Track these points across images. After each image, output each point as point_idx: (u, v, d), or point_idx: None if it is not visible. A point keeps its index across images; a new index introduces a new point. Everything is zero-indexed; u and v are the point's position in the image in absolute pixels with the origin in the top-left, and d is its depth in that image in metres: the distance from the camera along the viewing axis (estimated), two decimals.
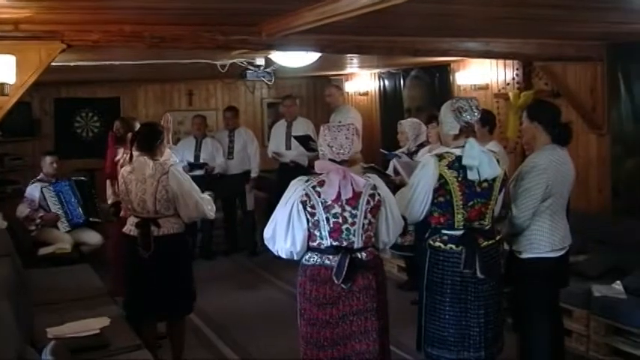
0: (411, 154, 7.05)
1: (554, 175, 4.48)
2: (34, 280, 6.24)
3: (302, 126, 9.51)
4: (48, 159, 8.29)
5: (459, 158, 4.15)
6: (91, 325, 4.86)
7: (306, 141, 8.95)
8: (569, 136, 4.69)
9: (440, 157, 4.22)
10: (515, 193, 4.55)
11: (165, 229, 5.18)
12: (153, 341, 5.37)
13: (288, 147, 9.45)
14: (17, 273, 5.60)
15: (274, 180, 9.64)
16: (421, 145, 7.18)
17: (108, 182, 6.92)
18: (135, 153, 5.29)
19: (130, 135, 6.02)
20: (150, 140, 5.28)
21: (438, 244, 4.25)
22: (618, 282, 5.58)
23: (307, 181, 3.98)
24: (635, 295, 5.41)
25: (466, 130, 4.25)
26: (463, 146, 4.17)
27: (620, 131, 6.62)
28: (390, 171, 7.14)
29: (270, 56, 6.65)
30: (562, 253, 4.62)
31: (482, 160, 4.12)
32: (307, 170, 9.21)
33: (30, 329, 4.86)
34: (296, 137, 9.09)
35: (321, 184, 3.93)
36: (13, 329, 4.06)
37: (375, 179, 4.08)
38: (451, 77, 9.11)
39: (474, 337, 4.24)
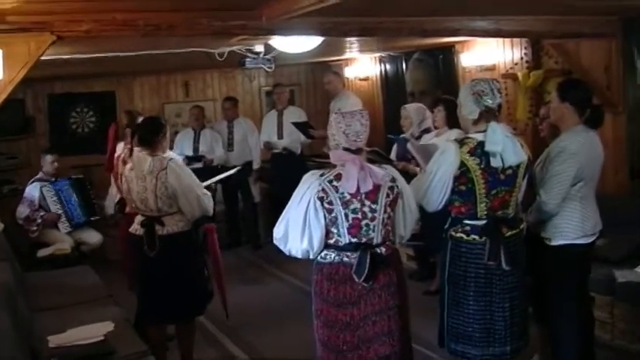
0: (415, 140, 6.83)
1: (584, 159, 4.29)
2: (33, 284, 6.09)
3: (294, 114, 9.44)
4: (49, 158, 8.14)
5: (481, 144, 3.92)
6: (95, 331, 4.69)
7: (305, 127, 8.86)
8: (600, 118, 4.49)
9: (461, 142, 3.99)
10: (544, 177, 4.34)
11: (169, 228, 5.03)
12: (160, 344, 5.22)
13: (280, 136, 9.36)
14: (16, 278, 5.44)
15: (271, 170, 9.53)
16: (425, 131, 6.99)
17: (112, 178, 6.73)
18: (135, 149, 5.10)
19: (127, 130, 5.87)
20: (151, 134, 5.11)
21: (459, 234, 4.03)
22: None
23: (322, 175, 3.73)
24: None
25: (487, 115, 4.00)
26: (484, 131, 3.93)
27: (637, 110, 6.41)
28: (392, 156, 6.95)
29: (270, 42, 6.42)
30: (593, 239, 4.46)
31: (507, 145, 3.90)
32: (301, 158, 9.16)
33: (30, 337, 4.68)
34: (295, 124, 8.99)
35: (338, 177, 3.68)
36: (11, 340, 3.87)
37: (391, 170, 3.86)
38: (455, 59, 8.86)
39: (499, 331, 4.05)
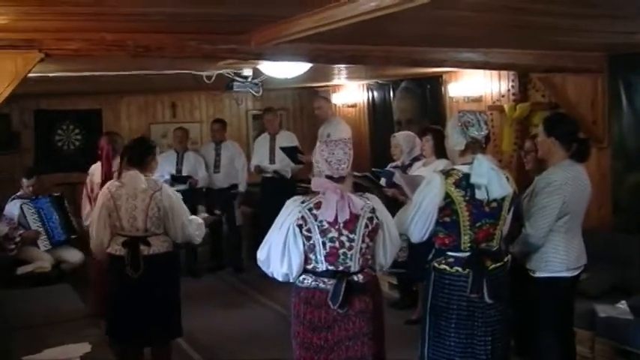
0: (405, 168, 6.85)
1: (570, 192, 4.33)
2: (11, 302, 5.98)
3: (286, 139, 9.38)
4: (25, 182, 8.05)
5: (466, 176, 3.92)
6: (71, 352, 4.64)
7: (293, 153, 8.83)
8: (587, 151, 4.53)
9: (446, 174, 3.98)
10: (530, 210, 4.36)
11: (155, 248, 5.00)
12: None
13: (272, 161, 9.29)
14: None
15: (260, 194, 9.47)
16: (415, 159, 6.98)
17: (85, 199, 6.64)
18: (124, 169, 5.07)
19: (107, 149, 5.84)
20: (142, 155, 5.11)
21: (443, 266, 4.01)
22: (623, 302, 5.41)
23: (303, 202, 3.74)
24: None
25: (473, 146, 4.01)
26: (470, 163, 3.93)
27: (622, 145, 6.44)
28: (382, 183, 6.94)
29: (258, 67, 6.42)
30: (577, 272, 4.48)
31: (492, 178, 3.89)
32: (291, 182, 9.13)
33: (6, 356, 4.61)
34: (283, 149, 8.95)
35: (318, 206, 3.69)
36: None
37: (374, 200, 3.86)
38: (443, 89, 8.91)
39: None
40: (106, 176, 6.11)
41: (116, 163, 6.08)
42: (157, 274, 4.98)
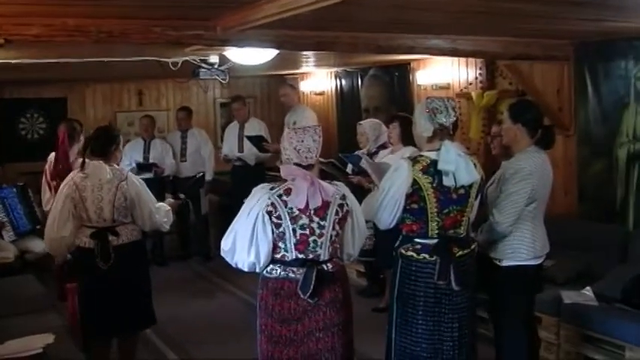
0: (371, 156, 6.83)
1: (538, 180, 4.31)
2: None
3: (254, 127, 9.33)
4: None
5: (433, 163, 3.89)
6: (33, 343, 4.51)
7: (258, 141, 8.81)
8: (552, 139, 4.53)
9: (414, 160, 3.95)
10: (498, 197, 4.34)
11: (124, 237, 4.91)
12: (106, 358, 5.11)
13: (241, 149, 9.26)
14: None
15: (229, 182, 9.43)
16: (382, 147, 6.97)
17: (45, 186, 6.50)
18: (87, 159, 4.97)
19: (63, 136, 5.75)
20: (105, 145, 5.00)
21: (410, 253, 3.97)
22: (588, 288, 5.46)
23: (272, 188, 3.67)
24: (606, 301, 5.27)
25: (440, 133, 3.98)
26: (438, 149, 3.91)
27: (588, 132, 6.47)
28: (348, 170, 6.94)
29: (224, 53, 6.35)
30: (542, 260, 4.48)
31: (459, 164, 3.87)
32: (260, 170, 9.10)
33: None
34: (249, 137, 8.94)
35: (288, 192, 3.62)
36: None
37: (342, 187, 3.81)
38: (411, 76, 8.92)
39: (447, 351, 4.00)
40: (60, 163, 5.98)
41: (73, 151, 5.99)
42: (127, 263, 4.90)
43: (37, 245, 7.85)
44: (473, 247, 4.16)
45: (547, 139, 4.50)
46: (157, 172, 9.03)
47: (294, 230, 3.62)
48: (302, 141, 3.69)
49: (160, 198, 5.37)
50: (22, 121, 10.50)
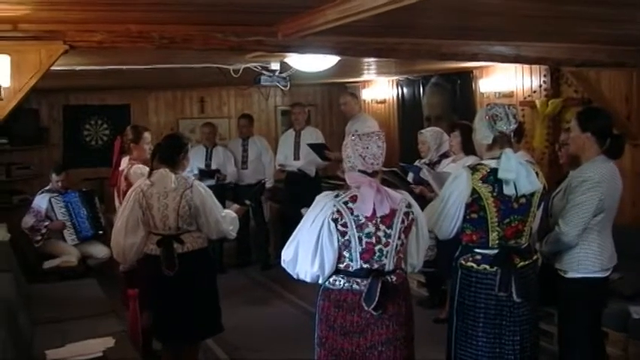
0: (433, 165, 6.76)
1: (606, 190, 4.19)
2: (37, 296, 6.07)
3: (311, 135, 9.32)
4: (54, 177, 8.13)
5: (493, 171, 3.80)
6: (94, 347, 4.62)
7: (321, 149, 8.74)
8: (621, 148, 4.39)
9: (473, 169, 3.87)
10: (564, 207, 4.23)
11: (189, 245, 4.94)
12: None
13: (297, 157, 9.27)
14: (18, 290, 5.38)
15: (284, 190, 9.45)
16: (444, 155, 6.88)
17: (115, 193, 6.61)
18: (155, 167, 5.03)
19: (133, 145, 5.79)
20: (173, 153, 5.03)
21: (470, 263, 3.90)
22: None
23: (337, 196, 3.59)
24: None
25: (501, 140, 3.89)
26: (498, 157, 3.82)
27: None
28: (409, 179, 6.85)
29: (286, 60, 6.35)
30: (609, 273, 4.34)
31: (520, 173, 3.77)
32: (317, 178, 9.06)
33: (29, 351, 4.61)
34: (310, 145, 8.88)
35: (353, 199, 3.54)
36: (9, 355, 3.80)
37: (406, 195, 3.73)
38: (473, 84, 8.80)
39: None
40: (113, 174, 6.08)
41: (125, 160, 6.01)
42: (192, 271, 4.92)
43: (99, 251, 7.99)
44: (535, 257, 4.07)
45: (616, 148, 4.35)
46: (220, 179, 9.06)
47: (359, 238, 3.55)
48: (367, 147, 3.62)
49: (221, 205, 5.36)
50: (86, 128, 10.65)
